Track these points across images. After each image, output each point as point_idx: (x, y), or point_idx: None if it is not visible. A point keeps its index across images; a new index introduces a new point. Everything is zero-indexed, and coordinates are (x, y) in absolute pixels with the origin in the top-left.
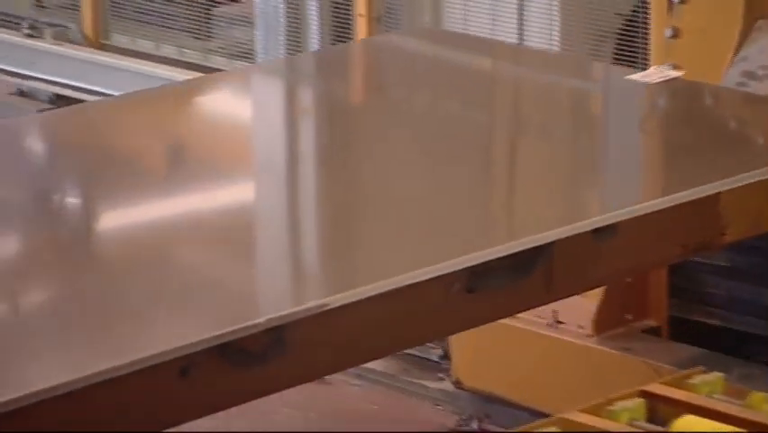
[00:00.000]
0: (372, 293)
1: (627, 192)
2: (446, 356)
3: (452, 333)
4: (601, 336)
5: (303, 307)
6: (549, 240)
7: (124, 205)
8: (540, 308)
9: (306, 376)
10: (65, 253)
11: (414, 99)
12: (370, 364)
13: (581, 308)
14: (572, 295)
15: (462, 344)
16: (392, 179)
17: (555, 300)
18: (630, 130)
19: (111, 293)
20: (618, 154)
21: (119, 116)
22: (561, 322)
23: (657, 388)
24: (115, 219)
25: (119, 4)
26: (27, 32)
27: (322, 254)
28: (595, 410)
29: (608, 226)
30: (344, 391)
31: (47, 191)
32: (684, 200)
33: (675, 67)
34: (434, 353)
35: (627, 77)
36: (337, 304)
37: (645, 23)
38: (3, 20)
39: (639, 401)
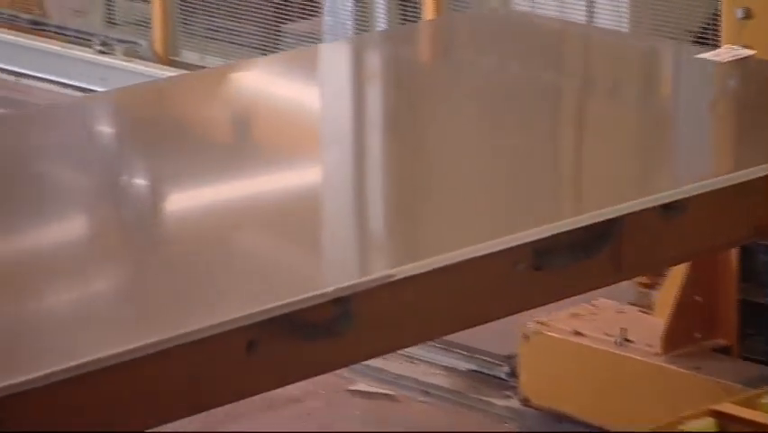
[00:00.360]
0: (438, 265)
1: (697, 168)
2: (513, 374)
3: (518, 310)
4: (670, 354)
5: (369, 277)
6: (619, 214)
7: (193, 176)
8: (609, 326)
9: (373, 351)
10: (135, 226)
11: (481, 73)
12: (436, 381)
13: (650, 326)
14: (640, 275)
15: (531, 361)
16: (459, 150)
17: (622, 280)
18: (700, 106)
19: (179, 265)
20: (688, 130)
21: (189, 92)
22: (629, 340)
23: (728, 407)
24: (184, 190)
25: (189, 20)
26: (99, 48)
27: (388, 226)
28: (665, 430)
29: (677, 202)
30: (412, 407)
31: (118, 166)
32: (756, 176)
33: (746, 47)
34: (502, 370)
35: (698, 55)
36: (403, 275)
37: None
38: (75, 37)
39: (709, 421)
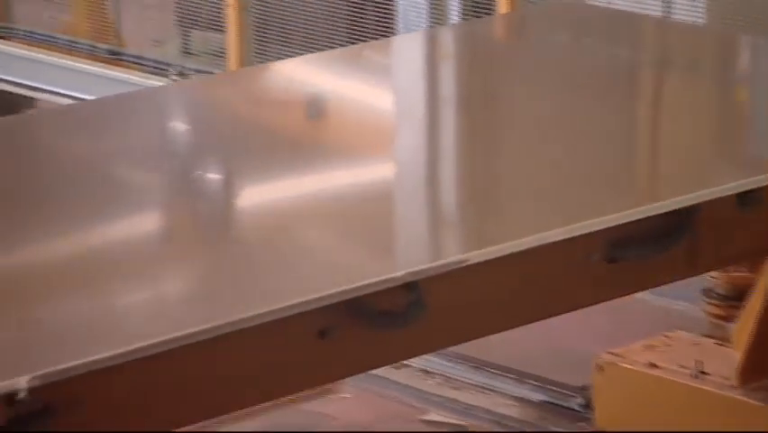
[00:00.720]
0: (512, 251)
1: None
2: (587, 405)
3: (591, 303)
4: (747, 387)
5: (441, 262)
6: (696, 202)
7: (265, 162)
8: (684, 359)
9: (446, 340)
10: (208, 215)
11: (556, 62)
12: (509, 412)
13: (726, 359)
14: (715, 269)
15: (605, 393)
16: (534, 136)
17: (697, 274)
18: None
19: (252, 251)
20: (765, 119)
21: (262, 82)
22: (705, 373)
23: None
24: (256, 178)
25: (264, 50)
26: (175, 78)
27: (461, 211)
28: None
29: (755, 191)
30: None
31: (190, 155)
32: None
33: None
34: (575, 401)
35: None
36: (476, 260)
37: None
38: (152, 67)
39: None
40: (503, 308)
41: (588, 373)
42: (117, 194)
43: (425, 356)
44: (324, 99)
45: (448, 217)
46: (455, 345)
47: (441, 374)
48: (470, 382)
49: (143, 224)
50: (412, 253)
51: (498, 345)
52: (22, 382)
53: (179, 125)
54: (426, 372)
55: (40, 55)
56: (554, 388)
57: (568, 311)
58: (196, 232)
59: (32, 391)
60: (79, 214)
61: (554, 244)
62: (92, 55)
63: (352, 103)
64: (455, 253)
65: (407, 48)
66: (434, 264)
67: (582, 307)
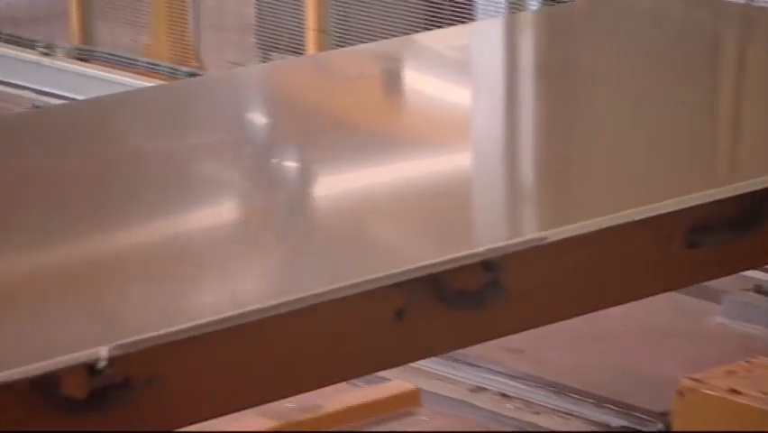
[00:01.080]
0: (593, 228)
1: None
2: (667, 431)
3: (675, 287)
4: None
5: (521, 239)
6: None
7: (342, 139)
8: (765, 384)
9: (526, 322)
10: (287, 194)
11: (638, 43)
12: None
13: None
14: None
15: (686, 418)
16: (613, 111)
17: None
18: None
19: (328, 226)
20: None
21: (339, 67)
22: None
23: None
24: (333, 155)
25: None
26: None
27: (540, 188)
28: None
29: None
30: None
31: (266, 137)
32: None
33: None
34: (655, 427)
35: None
36: (556, 238)
37: None
38: None
39: None
40: (582, 289)
41: (668, 398)
42: (193, 178)
43: (503, 380)
44: (401, 76)
45: (527, 195)
46: (533, 327)
47: (519, 398)
48: (549, 406)
49: (220, 207)
50: (490, 230)
51: (576, 370)
52: (103, 352)
53: (251, 109)
54: (505, 395)
55: (120, 77)
56: (634, 413)
57: (648, 295)
58: (272, 214)
59: (112, 361)
60: (160, 198)
61: (635, 223)
62: (172, 77)
63: (428, 80)
64: (534, 231)
65: (486, 31)
66: (512, 241)
67: (663, 291)
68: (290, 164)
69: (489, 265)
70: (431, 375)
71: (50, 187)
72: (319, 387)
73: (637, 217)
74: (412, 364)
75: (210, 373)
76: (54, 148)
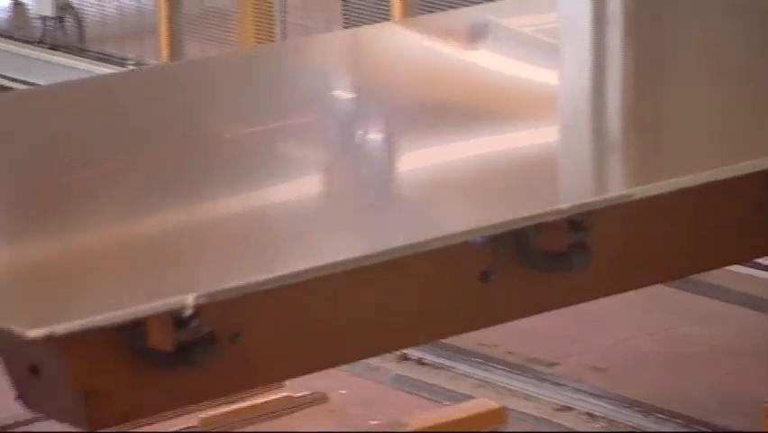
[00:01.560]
0: (680, 186)
1: None
2: None
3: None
4: None
5: (607, 196)
6: None
7: (426, 96)
8: None
9: (611, 287)
10: (374, 157)
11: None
12: None
13: None
14: None
15: None
16: (701, 69)
17: None
18: None
19: (412, 183)
20: None
21: (413, 37)
22: None
23: None
24: (417, 117)
25: None
26: None
27: (625, 145)
28: None
29: None
30: None
31: (349, 108)
32: None
33: None
34: None
35: None
36: (644, 195)
37: None
38: None
39: None
40: (672, 252)
41: (759, 419)
42: (278, 146)
43: (589, 400)
44: (487, 26)
45: (613, 153)
46: (620, 291)
47: (606, 418)
48: (637, 427)
49: (309, 173)
50: (576, 189)
51: (662, 389)
52: (189, 299)
53: (334, 79)
54: (591, 415)
55: None
56: None
57: (742, 260)
58: (358, 181)
59: (197, 309)
60: (251, 162)
61: (722, 182)
62: None
63: (515, 30)
64: (620, 189)
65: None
66: (599, 198)
67: (752, 258)
68: (383, 128)
69: (575, 225)
70: (517, 394)
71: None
72: (402, 347)
73: (725, 176)
74: (497, 382)
75: (293, 330)
76: (154, 106)
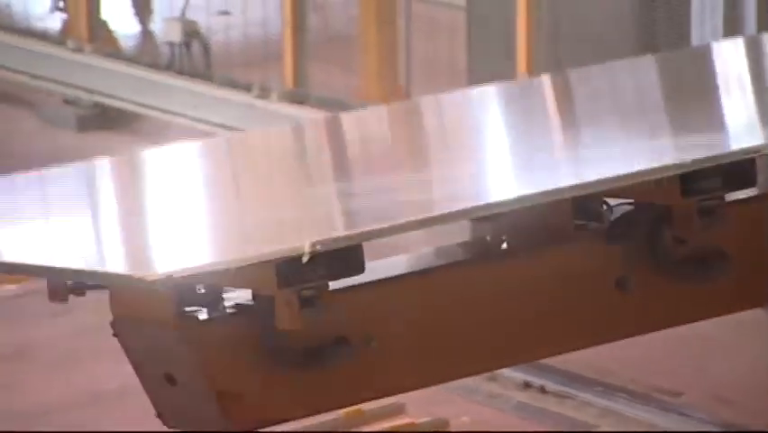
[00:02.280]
0: None
1: None
2: None
3: None
4: None
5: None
6: None
7: None
8: None
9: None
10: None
11: None
12: None
13: None
14: None
15: None
16: None
17: None
18: None
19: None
20: None
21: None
22: None
23: None
24: None
25: None
26: None
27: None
28: None
29: None
30: None
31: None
32: None
33: None
34: None
35: None
36: None
37: None
38: None
39: None
40: None
41: None
42: None
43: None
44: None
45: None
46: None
47: None
48: None
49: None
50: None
51: None
52: (305, 246)
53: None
54: None
55: None
56: None
57: None
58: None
59: (313, 256)
60: None
61: None
62: None
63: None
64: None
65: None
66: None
67: None
68: None
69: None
70: (641, 423)
71: None
72: (532, 359)
73: None
74: (623, 412)
75: (424, 334)
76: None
